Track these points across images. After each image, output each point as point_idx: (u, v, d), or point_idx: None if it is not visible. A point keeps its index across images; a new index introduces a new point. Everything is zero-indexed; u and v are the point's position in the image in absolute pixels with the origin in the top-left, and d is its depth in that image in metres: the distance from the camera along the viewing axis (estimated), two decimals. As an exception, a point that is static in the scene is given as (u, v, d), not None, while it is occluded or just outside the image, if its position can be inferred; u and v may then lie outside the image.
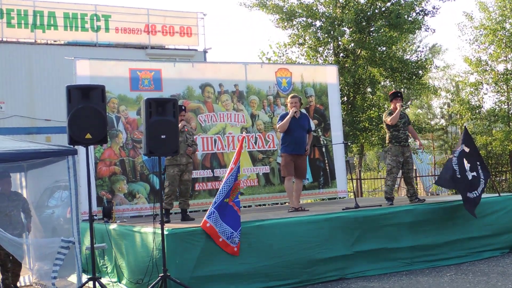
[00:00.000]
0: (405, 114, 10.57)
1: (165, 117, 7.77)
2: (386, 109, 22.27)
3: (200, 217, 9.62)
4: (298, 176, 10.33)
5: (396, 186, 23.33)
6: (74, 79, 10.77)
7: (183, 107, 9.88)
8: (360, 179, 22.91)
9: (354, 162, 25.28)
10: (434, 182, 10.18)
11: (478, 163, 10.23)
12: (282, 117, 10.26)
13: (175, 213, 10.21)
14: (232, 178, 7.93)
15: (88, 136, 7.40)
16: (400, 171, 10.45)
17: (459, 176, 9.79)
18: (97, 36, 21.51)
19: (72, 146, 7.77)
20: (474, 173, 10.06)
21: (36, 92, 20.37)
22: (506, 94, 20.94)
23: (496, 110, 21.04)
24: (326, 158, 13.36)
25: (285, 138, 10.21)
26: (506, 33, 20.52)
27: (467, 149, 10.14)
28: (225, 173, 11.55)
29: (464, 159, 10.02)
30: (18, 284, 9.19)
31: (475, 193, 9.86)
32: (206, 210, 11.42)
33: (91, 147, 8.14)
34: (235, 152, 8.11)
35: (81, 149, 8.66)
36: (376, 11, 20.66)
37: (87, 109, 7.41)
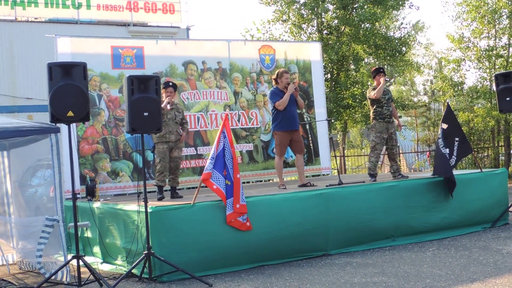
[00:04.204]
0: (388, 90, 10.60)
1: (147, 94, 7.71)
2: (370, 86, 22.31)
3: (185, 195, 9.64)
4: (299, 151, 10.16)
5: (379, 163, 23.46)
6: (55, 57, 10.67)
7: (170, 84, 9.71)
8: (344, 156, 22.99)
9: (338, 139, 25.34)
10: (432, 174, 10.29)
11: (456, 139, 10.34)
12: (275, 94, 9.86)
13: (165, 190, 10.18)
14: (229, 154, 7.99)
15: (70, 113, 7.33)
16: (384, 147, 10.50)
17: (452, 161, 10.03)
18: (79, 13, 21.26)
19: (54, 124, 7.70)
20: (447, 150, 10.21)
21: (17, 71, 20.16)
22: (488, 70, 21.01)
23: (478, 87, 21.14)
24: (309, 135, 13.38)
25: (278, 115, 9.86)
26: (489, 9, 20.54)
27: (445, 126, 10.24)
28: (209, 151, 11.58)
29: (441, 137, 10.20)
30: None
31: None
32: (190, 188, 11.56)
33: (73, 125, 8.09)
34: (223, 131, 8.02)
35: (63, 128, 8.59)
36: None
37: (69, 87, 7.32)
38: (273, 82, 10.11)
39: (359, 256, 8.68)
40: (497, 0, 20.46)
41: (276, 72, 10.10)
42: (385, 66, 23.12)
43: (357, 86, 21.41)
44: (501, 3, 20.29)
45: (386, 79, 10.45)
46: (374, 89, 10.32)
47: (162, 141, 9.39)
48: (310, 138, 13.37)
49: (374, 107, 10.31)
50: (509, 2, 20.27)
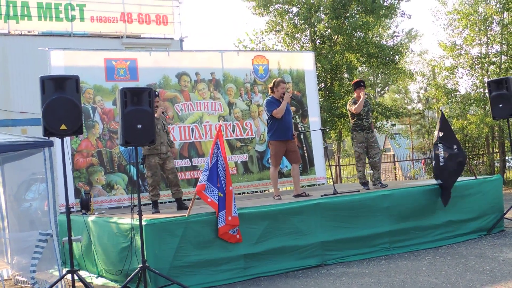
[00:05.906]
0: (368, 102, 10.76)
1: (140, 107, 7.69)
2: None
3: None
4: (295, 161, 10.05)
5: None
6: (49, 70, 10.66)
7: (156, 93, 9.64)
8: (339, 165, 22.99)
9: (333, 148, 25.35)
10: (434, 177, 10.34)
11: (455, 147, 10.31)
12: (272, 103, 9.78)
13: (169, 201, 10.08)
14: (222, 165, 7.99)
15: (63, 127, 7.30)
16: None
17: (442, 163, 9.94)
18: (72, 26, 21.23)
19: (47, 138, 7.68)
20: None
21: (11, 84, 20.10)
22: (480, 77, 21.07)
23: (471, 94, 21.19)
24: (304, 145, 13.38)
25: (274, 124, 9.78)
26: (479, 17, 20.62)
27: (441, 134, 10.25)
28: (203, 162, 11.56)
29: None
30: None
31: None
32: (184, 200, 11.49)
33: (67, 139, 8.08)
34: (217, 142, 8.02)
35: (57, 141, 8.57)
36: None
37: (62, 100, 7.30)
38: (269, 91, 10.07)
39: (355, 266, 8.67)
40: (487, 8, 20.56)
41: (273, 81, 10.06)
42: (379, 74, 23.17)
43: (351, 95, 21.43)
44: (491, 11, 20.39)
45: (366, 94, 10.56)
46: (354, 102, 10.48)
47: (153, 153, 9.10)
48: (304, 148, 13.37)
49: (355, 119, 10.52)
50: (499, 10, 20.38)
